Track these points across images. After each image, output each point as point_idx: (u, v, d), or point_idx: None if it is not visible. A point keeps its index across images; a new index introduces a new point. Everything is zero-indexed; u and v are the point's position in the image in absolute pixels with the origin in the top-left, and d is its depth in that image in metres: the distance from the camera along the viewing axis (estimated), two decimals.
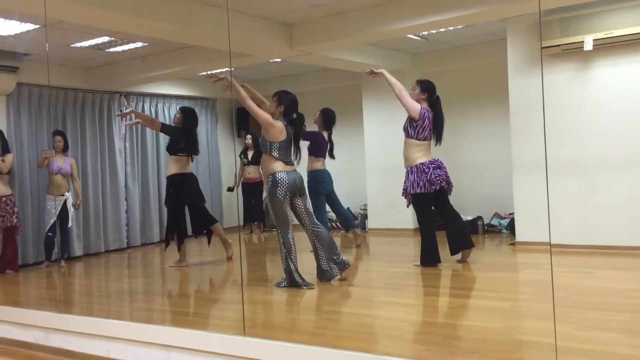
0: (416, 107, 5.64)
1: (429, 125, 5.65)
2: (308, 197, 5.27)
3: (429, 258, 5.64)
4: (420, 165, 5.61)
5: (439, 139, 5.73)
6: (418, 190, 5.60)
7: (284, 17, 6.31)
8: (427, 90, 5.72)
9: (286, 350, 3.26)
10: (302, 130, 5.31)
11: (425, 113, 5.65)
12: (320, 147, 6.86)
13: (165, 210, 8.87)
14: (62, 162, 7.17)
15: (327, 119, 7.03)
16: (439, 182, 5.57)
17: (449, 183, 5.70)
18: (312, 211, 5.22)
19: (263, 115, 5.06)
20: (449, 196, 5.76)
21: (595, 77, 6.29)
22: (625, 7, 5.80)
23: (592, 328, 3.58)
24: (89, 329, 4.09)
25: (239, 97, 5.07)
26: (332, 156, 7.04)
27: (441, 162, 5.70)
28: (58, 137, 7.28)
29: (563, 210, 6.27)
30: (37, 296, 5.98)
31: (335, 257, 5.12)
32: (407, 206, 5.83)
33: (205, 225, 6.74)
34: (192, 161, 6.70)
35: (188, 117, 6.63)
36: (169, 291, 5.86)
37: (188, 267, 6.51)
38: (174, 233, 6.58)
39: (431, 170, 5.58)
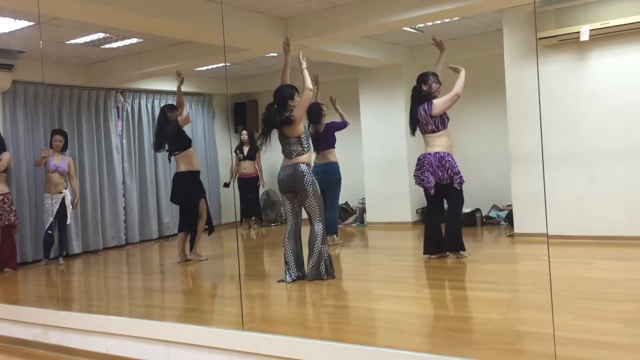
0: None
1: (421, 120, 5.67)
2: (309, 197, 5.02)
3: (424, 248, 5.71)
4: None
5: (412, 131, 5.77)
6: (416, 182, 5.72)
7: (279, 11, 6.28)
8: None
9: (285, 344, 3.26)
10: (269, 121, 5.09)
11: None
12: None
13: (163, 206, 8.94)
14: (60, 161, 7.15)
15: (313, 113, 6.94)
16: (415, 177, 5.65)
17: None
18: (311, 211, 5.06)
19: None
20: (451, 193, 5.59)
21: (591, 68, 6.28)
22: None
23: (592, 318, 3.58)
24: (87, 325, 4.08)
25: (309, 85, 5.09)
26: (317, 150, 6.92)
27: (420, 159, 5.58)
28: (59, 137, 7.24)
29: (561, 201, 6.27)
30: (36, 294, 5.97)
31: (311, 259, 5.04)
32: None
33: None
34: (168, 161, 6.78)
35: None
36: (167, 287, 5.85)
37: (184, 263, 6.49)
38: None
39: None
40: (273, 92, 5.17)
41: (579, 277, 4.71)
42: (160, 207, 8.95)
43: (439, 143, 5.53)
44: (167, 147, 6.60)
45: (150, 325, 3.87)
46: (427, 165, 5.51)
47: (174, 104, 6.75)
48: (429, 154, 5.54)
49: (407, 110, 8.62)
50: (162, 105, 6.87)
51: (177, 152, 6.55)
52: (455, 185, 5.50)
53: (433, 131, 5.55)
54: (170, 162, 6.73)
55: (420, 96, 5.64)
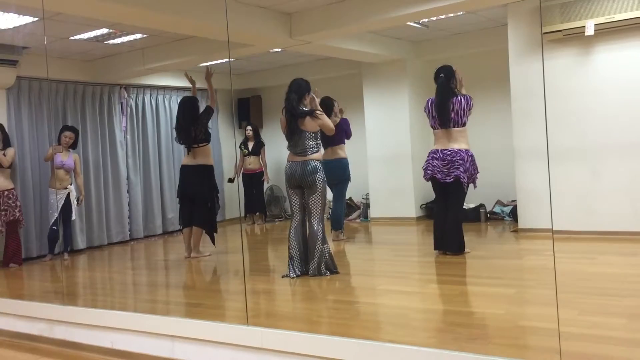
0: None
1: (428, 114, 5.64)
2: (316, 193, 5.04)
3: (434, 244, 5.68)
4: (429, 153, 5.66)
5: (441, 124, 5.53)
6: (423, 175, 5.69)
7: (283, 6, 6.27)
8: (434, 77, 5.70)
9: (289, 338, 3.26)
10: (290, 117, 5.13)
11: (427, 102, 5.69)
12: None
13: (167, 202, 8.95)
14: (67, 158, 7.17)
15: (323, 106, 6.92)
16: (429, 171, 5.58)
17: (451, 176, 5.43)
18: (313, 208, 5.06)
19: None
20: (460, 191, 5.49)
21: (596, 62, 6.26)
22: None
23: (596, 313, 3.57)
24: (92, 320, 4.10)
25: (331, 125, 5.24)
26: (327, 146, 6.84)
27: (447, 154, 5.45)
28: (69, 133, 7.21)
29: (565, 196, 6.26)
30: (41, 289, 6.00)
31: (313, 260, 5.03)
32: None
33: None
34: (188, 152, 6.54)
35: None
36: (172, 282, 5.87)
37: (188, 259, 6.49)
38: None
39: (428, 159, 5.61)
40: (290, 83, 5.19)
41: (584, 273, 4.71)
42: (165, 203, 8.96)
43: (464, 140, 5.52)
44: (193, 135, 6.37)
45: (155, 320, 3.88)
46: (461, 162, 5.43)
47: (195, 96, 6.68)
48: (461, 150, 5.47)
49: (412, 105, 8.65)
50: (180, 100, 6.70)
51: (202, 144, 6.43)
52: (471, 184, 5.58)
53: (464, 124, 5.51)
54: (189, 153, 6.45)
55: (450, 89, 5.56)
